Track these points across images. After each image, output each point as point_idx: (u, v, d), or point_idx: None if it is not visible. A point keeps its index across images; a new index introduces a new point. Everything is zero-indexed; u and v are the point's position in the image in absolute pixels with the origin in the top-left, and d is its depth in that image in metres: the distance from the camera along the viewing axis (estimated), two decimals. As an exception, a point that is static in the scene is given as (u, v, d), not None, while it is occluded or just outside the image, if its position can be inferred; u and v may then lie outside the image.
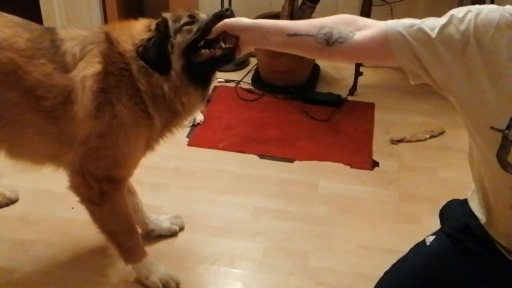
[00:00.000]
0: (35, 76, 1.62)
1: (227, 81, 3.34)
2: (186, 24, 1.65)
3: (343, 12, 3.96)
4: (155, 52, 1.62)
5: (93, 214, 1.79)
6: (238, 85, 3.33)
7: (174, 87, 1.66)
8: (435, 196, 2.46)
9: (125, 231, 1.85)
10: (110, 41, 1.67)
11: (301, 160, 2.70)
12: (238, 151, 2.75)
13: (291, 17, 3.18)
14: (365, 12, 3.06)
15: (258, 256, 2.12)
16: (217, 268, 2.06)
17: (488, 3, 3.06)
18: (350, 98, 3.24)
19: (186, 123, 1.83)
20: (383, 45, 1.30)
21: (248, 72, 3.47)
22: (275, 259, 2.11)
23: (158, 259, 2.03)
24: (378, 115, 3.09)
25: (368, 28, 1.35)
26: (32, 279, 2.00)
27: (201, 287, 2.00)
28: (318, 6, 3.23)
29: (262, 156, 2.73)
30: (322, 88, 3.34)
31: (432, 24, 1.24)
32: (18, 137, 1.72)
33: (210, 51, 1.61)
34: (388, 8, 3.37)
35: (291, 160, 2.70)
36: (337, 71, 3.55)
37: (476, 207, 1.44)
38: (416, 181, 2.57)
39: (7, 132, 1.70)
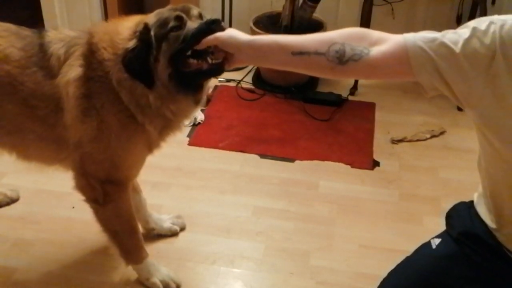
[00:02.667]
0: (29, 86, 1.63)
1: (227, 80, 3.34)
2: (173, 29, 1.52)
3: (344, 12, 3.99)
4: (138, 65, 1.52)
5: (96, 213, 1.80)
6: (239, 85, 3.33)
7: (161, 96, 1.58)
8: (436, 196, 2.46)
9: (126, 232, 1.85)
10: (91, 45, 1.61)
11: (301, 159, 2.70)
12: (238, 151, 2.75)
13: (292, 16, 3.18)
14: (366, 11, 3.06)
15: (258, 256, 2.12)
16: (217, 268, 2.06)
17: (489, 4, 3.06)
18: (350, 97, 3.24)
19: (185, 124, 1.76)
20: (403, 61, 1.23)
21: (249, 72, 3.47)
22: (276, 259, 2.11)
23: (159, 258, 2.03)
24: (378, 115, 3.09)
25: (383, 43, 1.26)
26: (33, 278, 2.00)
27: (202, 287, 2.00)
28: (319, 6, 3.23)
29: (262, 155, 2.73)
30: (322, 88, 3.34)
31: (454, 38, 1.19)
32: (23, 143, 1.75)
33: (197, 63, 1.52)
34: (389, 8, 3.37)
35: (291, 160, 2.70)
36: (338, 71, 3.54)
37: (484, 213, 1.41)
38: (416, 181, 2.57)
39: (13, 139, 1.75)
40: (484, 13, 2.92)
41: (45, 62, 1.63)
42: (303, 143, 2.83)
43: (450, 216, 1.53)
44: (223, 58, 1.48)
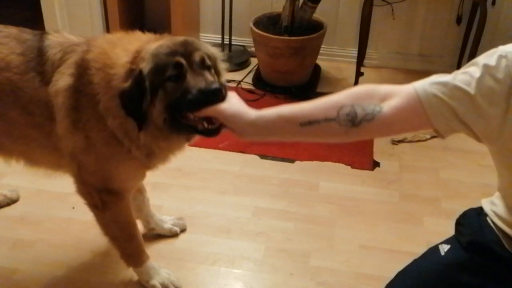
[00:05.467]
0: (28, 92, 1.61)
1: (228, 81, 3.31)
2: (171, 78, 1.42)
3: (344, 12, 3.99)
4: (133, 106, 1.45)
5: (96, 218, 1.80)
6: (239, 85, 3.33)
7: (152, 135, 1.53)
8: (436, 197, 2.46)
9: (126, 238, 1.86)
10: (85, 59, 1.56)
11: (302, 160, 2.70)
12: (239, 151, 2.75)
13: (292, 17, 3.18)
14: (366, 12, 3.06)
15: (258, 256, 2.12)
16: (217, 268, 2.06)
17: (489, 5, 3.06)
18: (351, 98, 3.23)
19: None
20: (418, 112, 1.19)
21: (249, 72, 3.48)
22: (276, 259, 2.11)
23: (159, 259, 2.03)
24: (379, 116, 3.08)
25: (393, 97, 1.22)
26: (33, 279, 2.00)
27: (202, 287, 2.00)
28: (319, 6, 3.23)
29: (263, 156, 2.72)
30: (323, 88, 3.34)
31: (465, 79, 1.16)
32: (28, 150, 1.76)
33: (193, 118, 1.44)
34: (389, 8, 3.37)
35: (291, 161, 2.70)
36: (338, 72, 3.55)
37: (504, 226, 1.36)
38: (417, 181, 2.57)
39: (19, 146, 1.75)
40: (484, 14, 2.92)
41: (41, 67, 1.61)
42: (303, 144, 2.82)
43: (460, 223, 1.49)
44: (220, 124, 1.42)
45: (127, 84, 1.45)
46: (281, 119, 1.30)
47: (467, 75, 1.17)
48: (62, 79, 1.58)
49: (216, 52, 1.56)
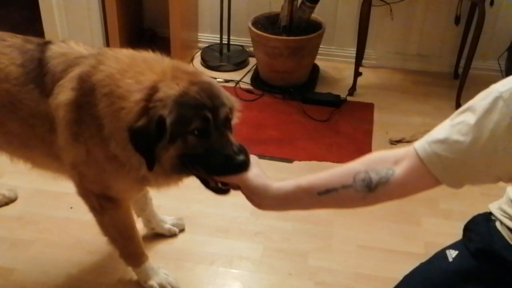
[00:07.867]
0: (27, 103, 1.59)
1: (226, 81, 3.34)
2: (194, 132, 1.36)
3: (343, 12, 3.99)
4: (145, 146, 1.39)
5: (95, 219, 1.80)
6: (237, 85, 3.33)
7: (155, 173, 1.48)
8: (434, 197, 2.46)
9: (124, 240, 1.86)
10: (90, 81, 1.49)
11: (300, 160, 2.70)
12: (237, 151, 2.74)
13: (291, 17, 3.18)
14: (365, 12, 3.06)
15: (257, 256, 2.12)
16: (215, 268, 2.06)
17: (487, 5, 3.06)
18: (349, 98, 3.24)
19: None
20: (424, 172, 1.21)
21: (248, 72, 3.48)
22: (274, 259, 2.11)
23: (157, 259, 2.03)
24: (377, 116, 3.09)
25: (403, 160, 1.24)
26: (31, 278, 2.00)
27: (200, 287, 2.00)
28: (318, 6, 3.23)
29: (261, 156, 2.71)
30: (321, 88, 3.34)
31: (463, 129, 1.15)
32: (31, 156, 1.78)
33: (205, 173, 1.42)
34: (387, 8, 3.37)
35: (290, 160, 2.70)
36: (336, 72, 3.55)
37: None
38: (415, 181, 2.57)
39: (23, 153, 1.77)
40: (482, 14, 2.92)
41: (41, 79, 1.57)
42: (301, 143, 2.83)
43: (468, 229, 1.47)
44: (232, 187, 1.42)
45: (141, 123, 1.36)
46: (300, 189, 1.34)
47: (463, 125, 1.16)
48: (63, 93, 1.53)
49: (234, 102, 1.54)
